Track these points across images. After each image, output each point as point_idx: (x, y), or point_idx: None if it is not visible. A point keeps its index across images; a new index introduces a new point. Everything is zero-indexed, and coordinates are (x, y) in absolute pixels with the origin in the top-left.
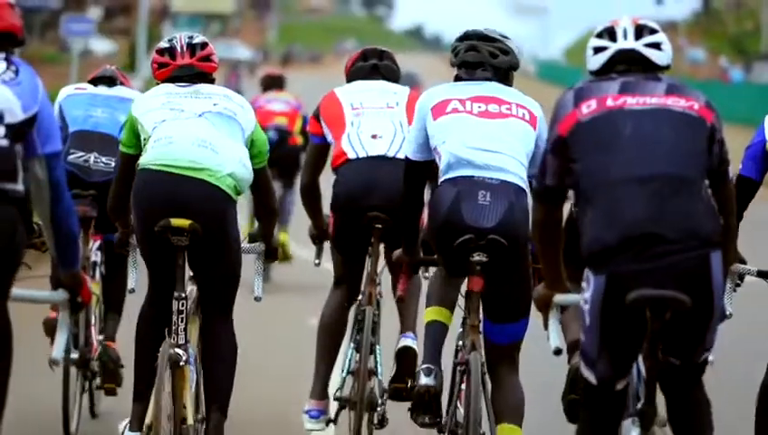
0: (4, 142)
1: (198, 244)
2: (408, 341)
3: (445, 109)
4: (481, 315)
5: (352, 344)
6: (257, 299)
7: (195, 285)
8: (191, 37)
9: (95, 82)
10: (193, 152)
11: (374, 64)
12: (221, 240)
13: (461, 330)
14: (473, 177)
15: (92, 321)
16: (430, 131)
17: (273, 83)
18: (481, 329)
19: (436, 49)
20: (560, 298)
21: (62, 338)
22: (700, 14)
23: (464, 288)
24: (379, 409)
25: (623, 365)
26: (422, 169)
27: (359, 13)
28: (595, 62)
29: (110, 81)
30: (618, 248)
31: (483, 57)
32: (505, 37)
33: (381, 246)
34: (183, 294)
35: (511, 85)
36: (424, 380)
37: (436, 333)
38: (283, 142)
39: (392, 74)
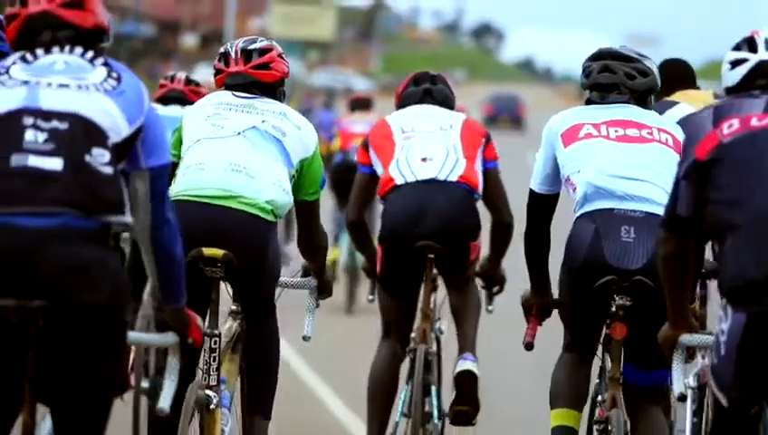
0: (109, 170)
1: (235, 275)
2: (467, 363)
3: (577, 134)
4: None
5: (405, 386)
6: (306, 339)
7: (234, 321)
8: (250, 42)
9: (165, 100)
10: (225, 179)
11: (426, 89)
12: (258, 270)
13: (597, 381)
14: (612, 210)
15: None
16: (561, 160)
17: (359, 105)
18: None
19: (546, 81)
20: (686, 338)
21: (170, 385)
22: None
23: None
24: None
25: (760, 392)
26: (548, 204)
27: (467, 44)
28: (733, 76)
29: (179, 101)
30: (764, 285)
31: (618, 78)
32: (643, 56)
33: (439, 277)
34: (216, 331)
35: (650, 109)
36: None
37: None
38: None
39: (447, 100)
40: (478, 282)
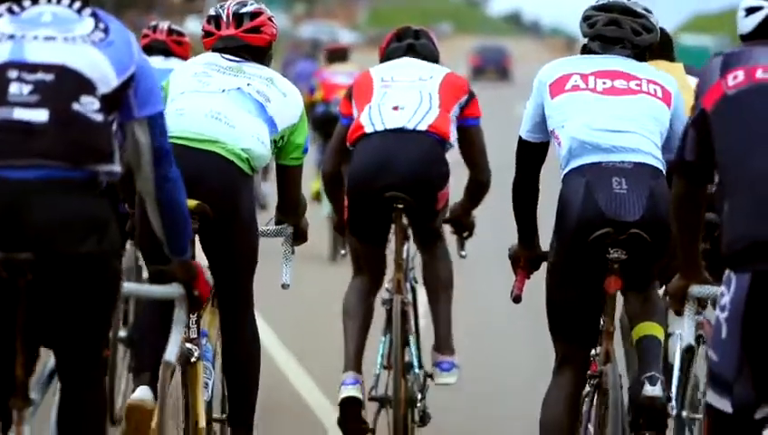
0: (99, 117)
1: (209, 226)
2: (443, 377)
3: (564, 86)
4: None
5: (383, 338)
6: (284, 286)
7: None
8: (241, 5)
9: (148, 51)
10: (204, 124)
11: (410, 44)
12: (233, 220)
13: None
14: (600, 163)
15: None
16: (547, 111)
17: (337, 56)
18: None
19: (533, 35)
20: (697, 289)
21: (176, 339)
22: None
23: None
24: (419, 404)
25: (767, 386)
26: (537, 152)
27: None
28: (747, 24)
29: (162, 51)
30: (766, 245)
31: (625, 33)
32: (648, 11)
33: (408, 227)
34: None
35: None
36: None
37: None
38: None
39: (431, 54)
40: (447, 228)
